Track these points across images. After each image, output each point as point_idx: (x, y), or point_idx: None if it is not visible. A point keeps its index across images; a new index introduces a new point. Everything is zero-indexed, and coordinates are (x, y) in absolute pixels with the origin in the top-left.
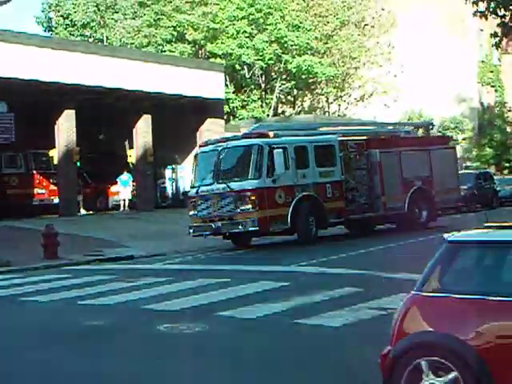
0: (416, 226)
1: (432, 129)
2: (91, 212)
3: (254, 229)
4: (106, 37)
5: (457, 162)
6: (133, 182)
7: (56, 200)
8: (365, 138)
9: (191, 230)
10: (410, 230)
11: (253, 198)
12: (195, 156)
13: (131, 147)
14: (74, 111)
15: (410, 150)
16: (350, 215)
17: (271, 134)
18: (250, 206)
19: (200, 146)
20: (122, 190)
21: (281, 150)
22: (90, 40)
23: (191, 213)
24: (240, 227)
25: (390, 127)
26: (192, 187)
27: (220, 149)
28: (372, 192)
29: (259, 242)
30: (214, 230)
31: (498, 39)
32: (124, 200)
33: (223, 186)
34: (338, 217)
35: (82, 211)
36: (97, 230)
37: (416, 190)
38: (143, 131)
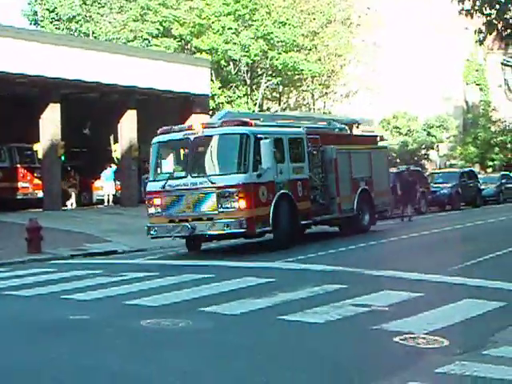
0: (360, 230)
1: (358, 127)
2: (75, 206)
3: (240, 231)
4: (92, 31)
5: (388, 164)
6: (116, 176)
7: (40, 194)
8: (318, 133)
9: (152, 232)
10: (354, 233)
11: (241, 194)
12: (154, 145)
13: (116, 142)
14: (58, 105)
15: (358, 148)
16: (313, 217)
17: (253, 122)
18: (236, 204)
19: (160, 134)
20: (106, 184)
21: (267, 140)
22: (76, 34)
23: (151, 211)
24: (224, 228)
25: (325, 123)
26: (153, 181)
27: (193, 137)
28: (327, 192)
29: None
30: (188, 230)
31: (482, 36)
32: (108, 195)
33: (202, 179)
34: (306, 218)
35: (74, 205)
36: (81, 225)
37: (361, 192)
38: (128, 126)
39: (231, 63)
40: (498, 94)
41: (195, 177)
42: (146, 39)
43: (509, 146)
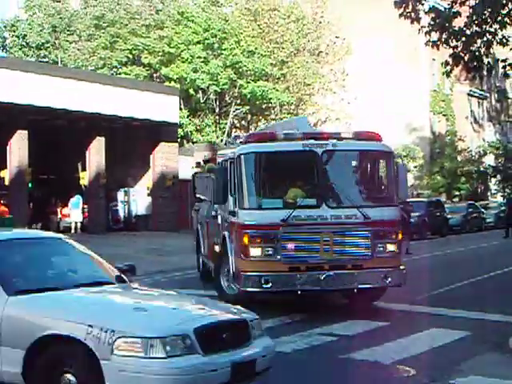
0: None
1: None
2: None
3: (398, 284)
4: (61, 58)
5: None
6: (83, 204)
7: None
8: None
9: (262, 283)
10: None
11: (398, 234)
12: (248, 156)
13: (84, 169)
14: (26, 132)
15: None
16: None
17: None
18: (393, 247)
19: (256, 140)
20: (73, 212)
21: (402, 162)
22: (45, 61)
23: (255, 252)
24: (383, 281)
25: None
26: (253, 208)
27: (321, 151)
28: None
29: None
30: (321, 283)
31: (449, 67)
32: (75, 222)
33: (348, 212)
34: None
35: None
36: None
37: None
38: (96, 153)
39: (200, 92)
40: (465, 125)
41: (335, 207)
42: (115, 67)
43: (475, 175)
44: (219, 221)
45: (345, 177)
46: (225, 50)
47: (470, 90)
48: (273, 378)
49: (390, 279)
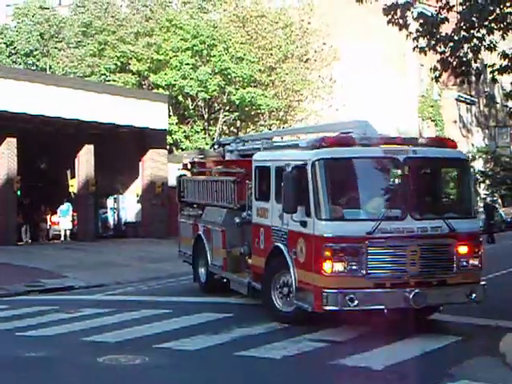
0: None
1: None
2: (30, 241)
3: (479, 300)
4: (49, 65)
5: None
6: (73, 211)
7: None
8: None
9: (347, 301)
10: None
11: (480, 247)
12: (320, 162)
13: (73, 176)
14: (15, 139)
15: None
16: None
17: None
18: (476, 261)
19: (329, 145)
20: (62, 219)
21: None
22: (33, 68)
23: (338, 267)
24: (461, 298)
25: None
26: (331, 219)
27: (403, 158)
28: None
29: None
30: (409, 301)
31: (437, 73)
32: (65, 230)
33: (434, 223)
34: None
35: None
36: (36, 260)
37: None
38: (85, 160)
39: (189, 98)
40: (453, 130)
41: (419, 219)
42: (104, 74)
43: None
44: (261, 230)
45: (426, 186)
46: (213, 56)
47: (459, 96)
48: None
49: (474, 295)
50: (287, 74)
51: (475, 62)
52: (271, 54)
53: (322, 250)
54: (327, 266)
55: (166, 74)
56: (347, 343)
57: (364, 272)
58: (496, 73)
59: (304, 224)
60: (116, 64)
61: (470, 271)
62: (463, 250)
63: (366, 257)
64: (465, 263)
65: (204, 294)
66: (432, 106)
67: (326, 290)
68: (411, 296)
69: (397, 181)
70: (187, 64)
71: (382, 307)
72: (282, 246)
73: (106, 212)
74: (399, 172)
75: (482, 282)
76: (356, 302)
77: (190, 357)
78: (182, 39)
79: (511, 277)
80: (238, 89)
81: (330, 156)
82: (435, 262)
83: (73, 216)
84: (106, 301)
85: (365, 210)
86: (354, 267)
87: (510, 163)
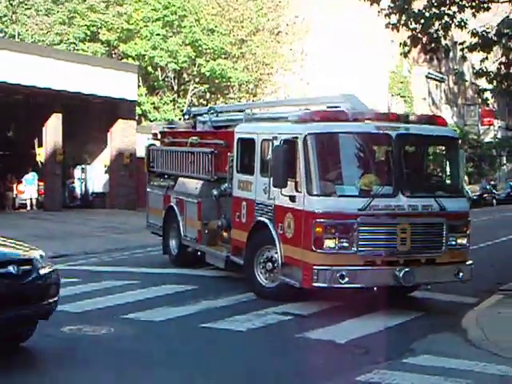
0: None
1: None
2: None
3: (467, 280)
4: (18, 33)
5: None
6: (39, 180)
7: None
8: None
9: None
10: None
11: (468, 227)
12: (311, 137)
13: (40, 145)
14: None
15: None
16: None
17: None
18: (464, 241)
19: (319, 119)
20: (28, 189)
21: (462, 150)
22: (2, 35)
23: (329, 244)
24: (449, 277)
25: None
26: (323, 195)
27: (395, 134)
28: None
29: None
30: (399, 279)
31: (407, 49)
32: (30, 199)
33: (425, 201)
34: None
35: None
36: (1, 229)
37: None
38: (53, 129)
39: (158, 69)
40: (422, 107)
41: (410, 196)
42: (73, 43)
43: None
44: (244, 204)
45: (417, 163)
46: (184, 27)
47: (429, 73)
48: (228, 356)
49: (461, 274)
50: (258, 46)
51: (445, 38)
52: (242, 27)
53: (312, 225)
54: (317, 243)
55: (136, 44)
56: (312, 317)
57: (355, 249)
58: (466, 50)
59: (293, 199)
60: (85, 33)
61: (458, 250)
62: (452, 229)
63: (357, 234)
64: (453, 242)
65: (173, 266)
66: (402, 83)
67: (316, 267)
68: (401, 274)
69: (389, 158)
70: (158, 34)
71: (372, 285)
72: (266, 221)
73: (74, 182)
74: (391, 149)
75: (469, 262)
76: (346, 280)
77: (157, 328)
78: (152, 9)
79: (476, 255)
80: (208, 61)
81: (322, 131)
82: (425, 240)
83: (38, 185)
84: (71, 271)
85: (356, 187)
86: (345, 244)
87: (476, 141)
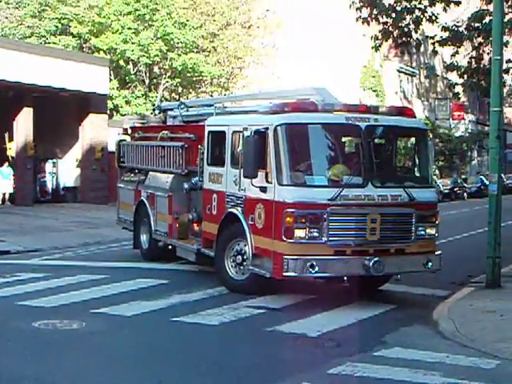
0: None
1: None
2: None
3: (436, 269)
4: None
5: None
6: (13, 175)
7: None
8: None
9: (306, 268)
10: None
11: (437, 217)
12: (282, 127)
13: (11, 140)
14: None
15: None
16: None
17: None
18: (433, 231)
19: (290, 110)
20: (3, 183)
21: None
22: None
23: (299, 233)
24: (418, 267)
25: None
26: (293, 185)
27: (365, 125)
28: None
29: None
30: (369, 269)
31: (378, 42)
32: (4, 194)
33: (394, 192)
34: None
35: None
36: None
37: None
38: (24, 124)
39: (130, 63)
40: (394, 101)
41: (380, 187)
42: (44, 36)
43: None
44: (214, 196)
45: (386, 154)
46: (156, 21)
47: (400, 67)
48: (200, 350)
49: (430, 264)
50: (230, 40)
51: (416, 32)
52: (214, 20)
53: (282, 216)
54: (288, 233)
55: (107, 37)
56: (284, 310)
57: (325, 239)
58: (437, 44)
59: (264, 190)
60: (56, 26)
61: (427, 240)
62: (421, 219)
63: (327, 223)
64: (422, 232)
65: (145, 261)
66: (374, 77)
67: (286, 257)
68: (371, 264)
69: (359, 148)
70: (129, 28)
71: (342, 274)
72: (237, 212)
73: (45, 176)
74: (361, 140)
75: (438, 252)
76: (317, 269)
77: (128, 322)
78: (124, 3)
79: (446, 248)
80: (180, 55)
81: (292, 121)
82: (394, 230)
83: (14, 180)
84: (42, 265)
85: (326, 177)
86: (315, 234)
87: (447, 135)
